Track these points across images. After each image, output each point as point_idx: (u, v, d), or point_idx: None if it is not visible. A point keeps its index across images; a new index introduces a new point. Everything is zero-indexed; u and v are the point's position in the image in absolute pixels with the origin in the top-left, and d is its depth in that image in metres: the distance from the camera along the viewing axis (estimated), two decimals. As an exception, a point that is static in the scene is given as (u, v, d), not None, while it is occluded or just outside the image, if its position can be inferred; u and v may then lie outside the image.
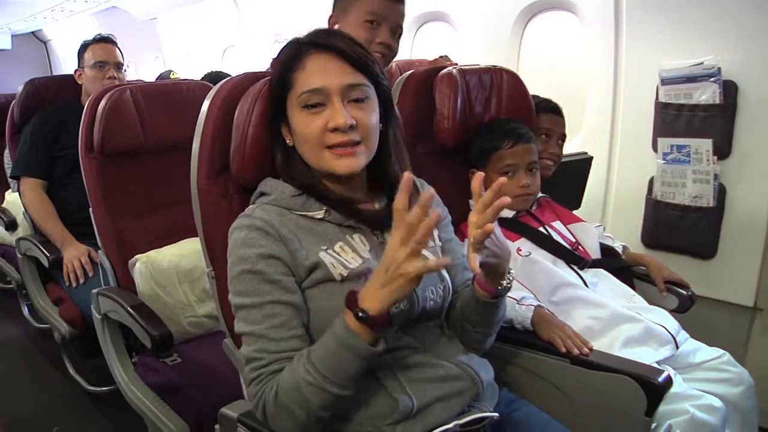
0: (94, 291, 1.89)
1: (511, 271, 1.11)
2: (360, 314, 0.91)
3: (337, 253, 1.06)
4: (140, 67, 5.99)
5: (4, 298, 3.60)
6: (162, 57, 5.78)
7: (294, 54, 1.08)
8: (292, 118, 1.08)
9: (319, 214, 1.09)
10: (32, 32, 7.54)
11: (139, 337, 1.70)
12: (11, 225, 2.92)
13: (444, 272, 1.15)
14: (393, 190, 1.12)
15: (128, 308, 1.70)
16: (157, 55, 5.84)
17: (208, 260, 1.24)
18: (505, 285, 1.10)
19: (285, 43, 1.11)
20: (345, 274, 1.04)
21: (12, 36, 7.32)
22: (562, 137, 1.92)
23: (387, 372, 1.04)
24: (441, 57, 2.74)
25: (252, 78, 1.22)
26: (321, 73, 1.05)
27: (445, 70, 1.62)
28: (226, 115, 1.19)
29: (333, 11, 1.74)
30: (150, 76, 5.24)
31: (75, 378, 2.54)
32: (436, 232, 1.19)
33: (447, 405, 1.06)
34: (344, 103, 1.05)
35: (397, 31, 1.71)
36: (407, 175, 0.89)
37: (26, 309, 3.15)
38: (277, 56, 1.11)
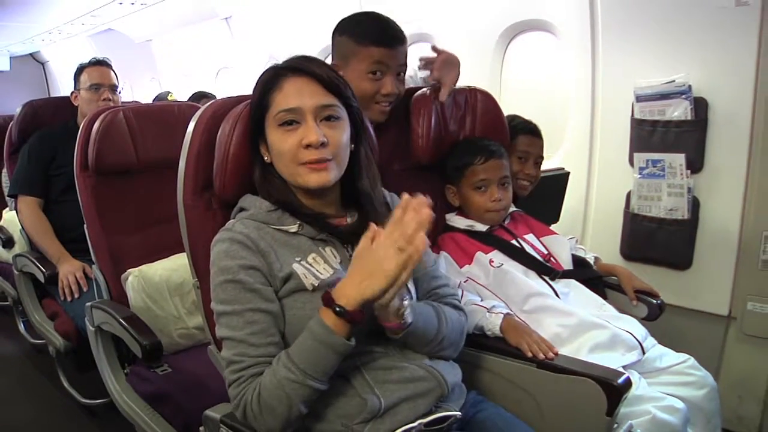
0: (88, 304, 1.95)
1: (405, 301, 1.11)
2: (338, 309, 0.99)
3: (310, 264, 1.14)
4: (136, 87, 6.08)
5: (1, 314, 3.65)
6: (157, 78, 5.88)
7: (272, 77, 1.17)
8: (270, 136, 1.17)
9: (293, 228, 1.17)
10: (30, 54, 7.66)
11: (131, 347, 1.76)
12: (8, 242, 2.99)
13: (411, 285, 1.22)
14: (363, 206, 1.20)
15: (120, 319, 1.77)
16: (152, 76, 5.93)
17: (193, 271, 1.31)
18: (406, 318, 1.11)
19: (264, 69, 1.20)
20: (316, 284, 1.12)
21: (10, 58, 7.44)
22: (539, 159, 1.98)
23: (356, 374, 1.12)
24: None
25: (234, 101, 1.30)
26: (296, 95, 1.14)
27: (420, 92, 1.71)
28: (210, 135, 1.27)
29: (333, 59, 1.67)
30: (145, 96, 5.33)
31: (69, 391, 2.59)
32: None
33: (413, 405, 1.13)
34: (317, 122, 1.14)
35: (401, 72, 1.65)
36: (406, 196, 1.00)
37: (22, 325, 3.20)
38: (258, 80, 1.20)
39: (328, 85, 1.15)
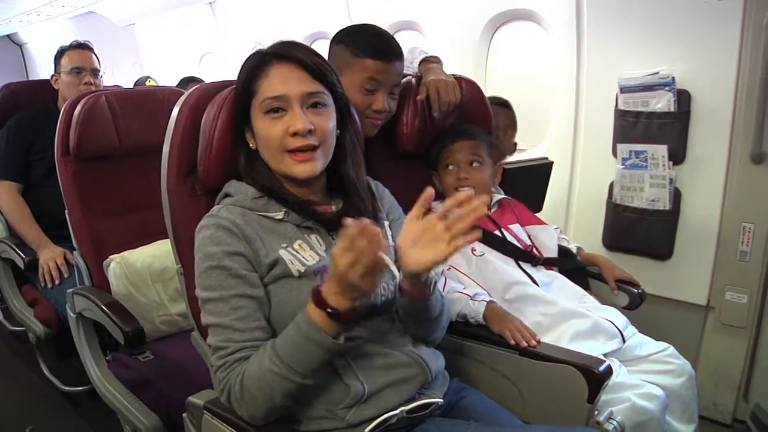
0: (69, 290, 1.94)
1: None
2: (330, 311, 0.99)
3: (296, 251, 1.14)
4: (118, 72, 5.99)
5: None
6: (140, 62, 5.80)
7: (258, 63, 1.16)
8: (256, 124, 1.16)
9: (279, 215, 1.17)
10: (8, 35, 7.50)
11: (113, 334, 1.75)
12: (-13, 228, 2.94)
13: (394, 269, 1.22)
14: (348, 193, 1.20)
15: (102, 306, 1.76)
16: (134, 61, 5.85)
17: (177, 257, 1.30)
18: (431, 281, 1.12)
19: (249, 54, 1.19)
20: (302, 270, 1.13)
21: (-13, 39, 7.30)
22: (511, 129, 2.04)
23: (341, 360, 1.12)
24: None
25: (219, 86, 1.29)
26: (282, 82, 1.13)
27: (404, 80, 1.71)
28: (194, 120, 1.26)
29: None
30: (128, 81, 5.25)
31: (50, 378, 2.56)
32: (389, 233, 1.27)
33: (396, 390, 1.14)
34: (303, 109, 1.13)
35: (395, 90, 1.63)
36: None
37: (0, 312, 3.16)
38: (242, 66, 1.19)
39: (314, 71, 1.15)
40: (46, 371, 2.61)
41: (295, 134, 1.12)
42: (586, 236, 2.57)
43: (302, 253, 1.15)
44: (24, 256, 2.37)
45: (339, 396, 1.11)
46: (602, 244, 2.59)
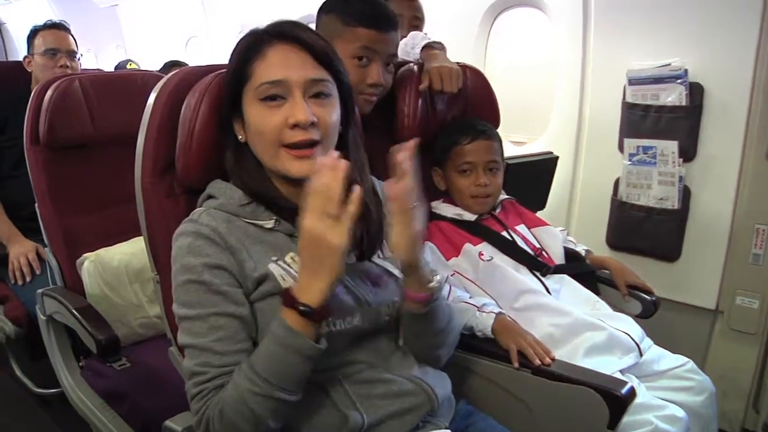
0: (39, 291, 1.79)
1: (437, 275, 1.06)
2: (302, 308, 0.87)
3: (288, 265, 1.01)
4: (101, 55, 5.79)
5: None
6: (123, 45, 5.60)
7: (254, 43, 1.01)
8: (248, 111, 1.02)
9: (269, 224, 1.03)
10: (-15, 15, 7.24)
11: (84, 341, 1.61)
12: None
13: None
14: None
15: (73, 311, 1.62)
16: (118, 44, 5.65)
17: (152, 263, 1.17)
18: (434, 284, 1.03)
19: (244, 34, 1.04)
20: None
21: (-39, 18, 7.03)
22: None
23: (337, 387, 0.99)
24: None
25: (201, 71, 1.15)
26: (282, 65, 0.99)
27: (406, 66, 1.57)
28: (173, 110, 1.12)
29: None
30: (111, 65, 5.07)
31: (21, 379, 2.42)
32: None
33: (400, 422, 1.01)
34: (305, 98, 0.99)
35: (390, 61, 1.51)
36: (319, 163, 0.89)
37: (-30, 308, 3.01)
38: (236, 46, 1.04)
39: (318, 55, 1.00)
40: (17, 371, 2.46)
41: (294, 126, 0.97)
42: (589, 235, 2.46)
43: (295, 267, 1.00)
44: (-8, 250, 2.22)
45: (335, 428, 0.98)
46: (606, 243, 2.48)
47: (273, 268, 0.99)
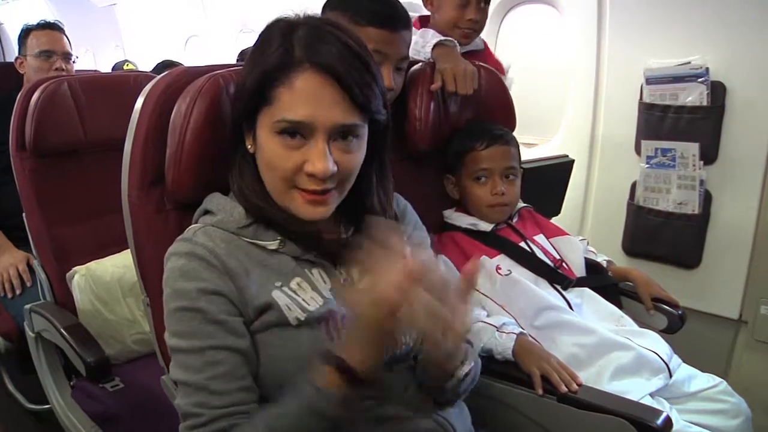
0: (27, 307, 1.70)
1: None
2: (354, 376, 0.77)
3: (294, 292, 0.90)
4: (99, 56, 5.70)
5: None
6: (122, 45, 5.51)
7: (282, 64, 0.85)
8: (261, 136, 0.88)
9: (273, 245, 0.92)
10: (-18, 15, 7.16)
11: (73, 363, 1.51)
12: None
13: None
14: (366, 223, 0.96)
15: (61, 329, 1.52)
16: (117, 44, 5.56)
17: (142, 286, 1.07)
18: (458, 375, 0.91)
19: (267, 32, 0.89)
20: (302, 318, 0.88)
21: (-42, 18, 6.95)
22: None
23: (350, 428, 0.88)
24: None
25: (193, 73, 1.04)
26: (311, 102, 0.84)
27: (417, 66, 1.47)
28: (162, 115, 1.01)
29: None
30: (109, 66, 4.98)
31: (14, 394, 2.32)
32: None
33: None
34: (329, 142, 0.86)
35: (402, 64, 1.39)
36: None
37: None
38: (260, 49, 0.89)
39: (355, 95, 0.85)
40: (9, 386, 2.36)
41: (311, 175, 0.86)
42: (604, 241, 2.36)
43: (302, 294, 0.90)
44: (-19, 261, 2.12)
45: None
46: (622, 249, 2.39)
47: (277, 296, 0.88)
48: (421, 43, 1.60)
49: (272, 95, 0.86)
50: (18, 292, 2.06)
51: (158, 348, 1.08)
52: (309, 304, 0.89)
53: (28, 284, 2.07)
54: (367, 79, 0.86)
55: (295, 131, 0.85)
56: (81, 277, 1.67)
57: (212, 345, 0.84)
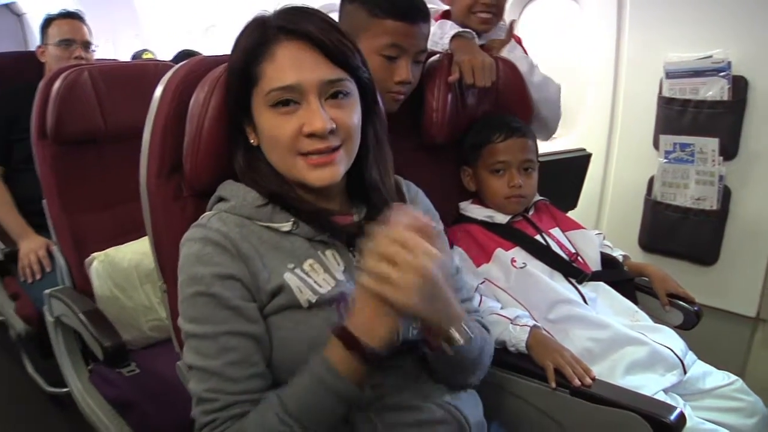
0: (46, 292, 1.73)
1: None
2: (369, 351, 0.78)
3: (307, 273, 0.91)
4: (119, 45, 5.74)
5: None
6: (142, 34, 5.54)
7: (259, 40, 0.90)
8: (258, 118, 0.92)
9: (286, 227, 0.93)
10: (6, 5, 7.23)
11: (91, 347, 1.54)
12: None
13: None
14: (372, 200, 0.97)
15: (80, 314, 1.54)
16: (137, 33, 5.59)
17: (159, 272, 1.08)
18: (456, 341, 0.89)
19: (246, 25, 0.94)
20: (313, 300, 0.89)
21: (-16, 8, 7.03)
22: None
23: (361, 415, 0.89)
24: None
25: (212, 62, 1.05)
26: (294, 66, 0.88)
27: (435, 57, 1.46)
28: (180, 104, 1.02)
29: None
30: (129, 55, 5.01)
31: (34, 377, 2.36)
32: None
33: None
34: (321, 101, 0.89)
35: (420, 57, 1.39)
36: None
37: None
38: (239, 40, 0.94)
39: (332, 53, 0.89)
40: (29, 369, 2.40)
41: (311, 135, 0.88)
42: (621, 236, 2.34)
43: (314, 276, 0.91)
44: (2, 246, 2.16)
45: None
46: (638, 245, 2.37)
47: (289, 278, 0.90)
48: (439, 35, 1.59)
49: (257, 72, 0.90)
50: (38, 277, 2.09)
51: (174, 334, 1.09)
52: (321, 287, 0.90)
53: (48, 270, 2.10)
54: (341, 38, 0.91)
55: (287, 100, 0.88)
56: (99, 263, 1.68)
57: (226, 330, 0.85)
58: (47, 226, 2.00)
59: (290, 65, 0.88)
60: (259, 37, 0.91)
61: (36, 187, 1.98)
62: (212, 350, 0.85)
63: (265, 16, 0.93)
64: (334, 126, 0.88)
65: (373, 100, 0.99)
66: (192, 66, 1.06)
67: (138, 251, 1.74)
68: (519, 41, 1.96)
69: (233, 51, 0.94)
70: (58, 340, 1.72)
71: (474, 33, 1.62)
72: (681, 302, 1.55)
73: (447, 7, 1.85)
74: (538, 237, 1.46)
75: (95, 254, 1.70)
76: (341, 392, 0.80)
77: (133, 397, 1.54)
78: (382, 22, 1.30)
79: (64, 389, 2.18)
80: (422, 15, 1.33)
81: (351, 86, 0.92)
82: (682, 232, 2.22)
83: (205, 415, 0.85)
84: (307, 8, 0.92)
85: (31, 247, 2.12)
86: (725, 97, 2.05)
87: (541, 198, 1.59)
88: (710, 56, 2.05)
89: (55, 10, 2.52)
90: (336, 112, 0.89)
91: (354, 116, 0.92)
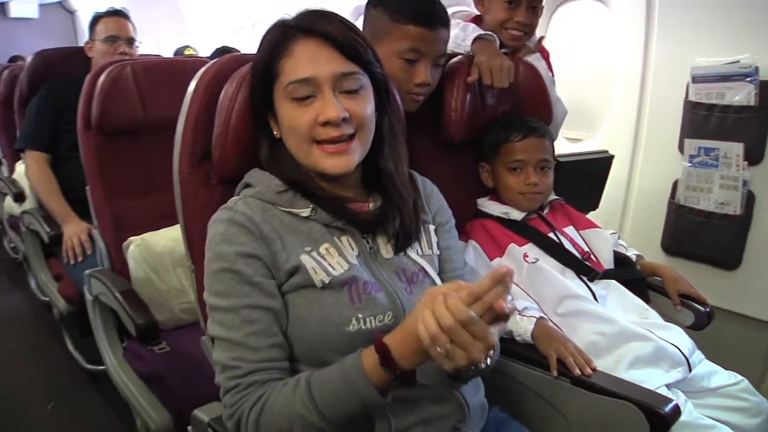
0: (87, 272, 1.84)
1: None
2: (398, 374, 0.83)
3: (322, 257, 0.98)
4: (162, 41, 5.91)
5: (15, 268, 3.58)
6: (185, 31, 5.70)
7: (280, 39, 0.99)
8: (279, 110, 1.00)
9: (305, 212, 1.01)
10: (59, 2, 7.51)
11: (125, 324, 1.64)
12: (19, 197, 2.87)
13: (438, 281, 1.06)
14: (387, 189, 1.04)
15: (116, 293, 1.65)
16: (179, 29, 5.75)
17: (188, 252, 1.17)
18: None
19: (270, 25, 1.02)
20: (327, 281, 0.96)
21: (39, 5, 7.28)
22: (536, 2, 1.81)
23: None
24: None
25: (241, 59, 1.14)
26: (309, 61, 0.96)
27: (455, 58, 1.52)
28: (211, 98, 1.11)
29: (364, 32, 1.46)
30: (171, 51, 5.16)
31: (73, 354, 2.50)
32: (434, 239, 1.11)
33: (429, 429, 0.98)
34: (335, 93, 0.96)
35: (440, 61, 1.44)
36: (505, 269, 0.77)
37: (33, 281, 3.12)
38: (262, 39, 1.02)
39: (346, 49, 0.97)
40: (70, 346, 2.55)
41: (326, 124, 0.95)
42: (644, 238, 2.38)
43: (329, 259, 0.98)
44: (48, 230, 2.29)
45: (361, 432, 0.95)
46: (661, 248, 2.38)
47: (305, 259, 0.97)
48: (462, 37, 1.65)
49: (278, 68, 0.98)
50: (80, 259, 2.22)
51: (199, 310, 1.17)
52: (334, 269, 0.97)
53: (89, 252, 2.22)
54: (355, 36, 0.98)
55: (304, 94, 0.96)
56: (135, 247, 1.79)
57: (248, 304, 0.93)
58: (88, 213, 2.13)
59: (307, 60, 0.96)
60: (280, 36, 0.98)
61: (79, 175, 2.11)
62: (235, 322, 0.93)
63: (286, 18, 1.01)
64: (348, 115, 0.95)
65: (386, 93, 1.05)
66: (222, 63, 1.14)
67: (172, 238, 1.83)
68: (547, 56, 2.00)
69: (257, 50, 1.02)
70: (96, 318, 1.83)
71: (495, 36, 1.67)
72: (693, 303, 1.57)
73: (478, 12, 1.90)
74: (551, 234, 1.51)
75: (132, 238, 1.80)
76: (368, 400, 0.86)
77: (162, 372, 1.64)
78: (404, 27, 1.36)
79: (101, 367, 2.32)
80: (442, 21, 1.40)
81: (364, 79, 0.99)
82: (705, 236, 2.23)
83: (229, 380, 0.93)
84: (325, 11, 1.00)
85: (74, 230, 2.25)
86: (752, 102, 2.05)
87: (557, 197, 1.63)
88: (738, 61, 2.05)
89: (103, 8, 2.65)
90: (349, 103, 0.96)
91: (367, 107, 0.99)
